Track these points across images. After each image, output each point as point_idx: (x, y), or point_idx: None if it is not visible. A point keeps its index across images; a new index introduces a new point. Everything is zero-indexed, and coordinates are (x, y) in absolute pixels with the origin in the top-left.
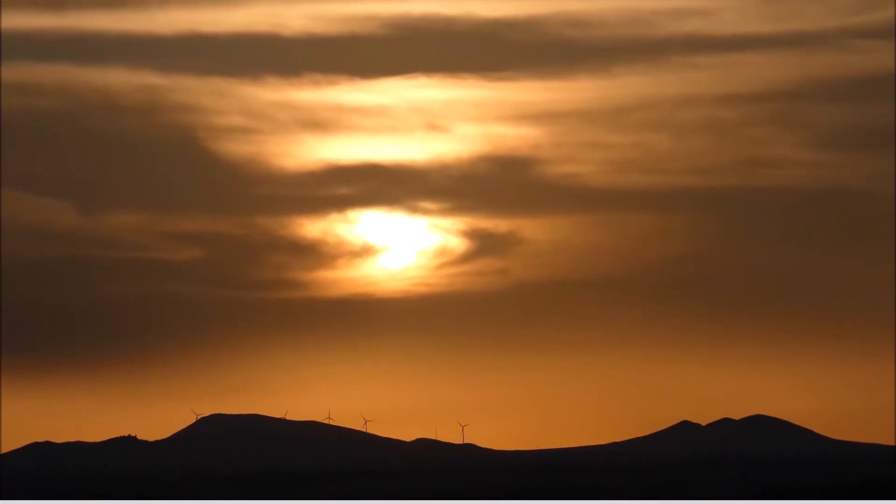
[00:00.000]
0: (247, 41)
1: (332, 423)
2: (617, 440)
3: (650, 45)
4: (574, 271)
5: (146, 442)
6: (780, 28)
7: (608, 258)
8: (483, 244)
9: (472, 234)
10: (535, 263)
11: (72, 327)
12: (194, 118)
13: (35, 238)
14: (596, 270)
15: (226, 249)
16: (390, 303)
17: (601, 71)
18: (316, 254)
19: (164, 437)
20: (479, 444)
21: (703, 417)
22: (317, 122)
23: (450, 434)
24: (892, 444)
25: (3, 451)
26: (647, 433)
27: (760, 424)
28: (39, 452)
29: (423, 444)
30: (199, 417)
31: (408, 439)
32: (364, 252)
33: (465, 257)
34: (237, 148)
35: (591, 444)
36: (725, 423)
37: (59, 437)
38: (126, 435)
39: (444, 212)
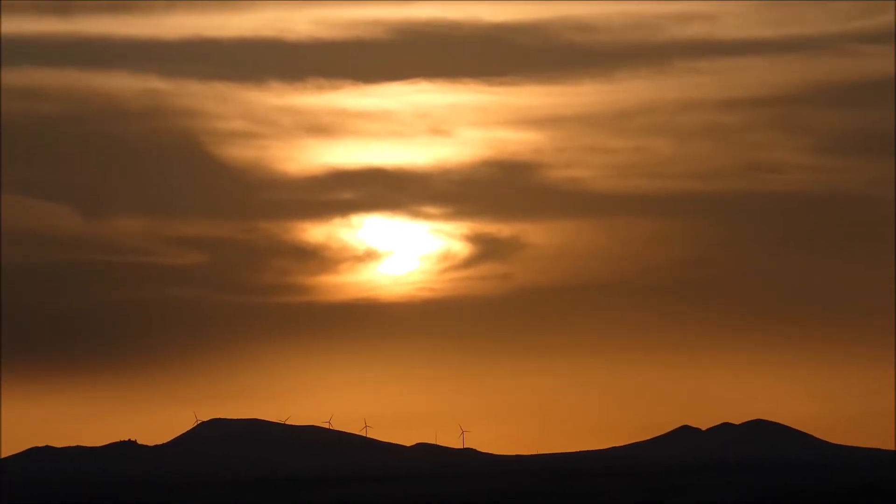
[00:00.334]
0: (251, 46)
1: (331, 427)
2: (617, 444)
3: (653, 49)
4: (576, 275)
5: (146, 446)
6: (781, 33)
7: (610, 262)
8: (486, 249)
9: (474, 239)
10: (537, 268)
11: (73, 332)
12: (198, 123)
13: (38, 242)
14: (598, 275)
15: (228, 254)
16: (393, 308)
17: (603, 76)
18: (319, 258)
19: (164, 441)
20: (479, 449)
21: (704, 422)
22: (320, 127)
23: (450, 438)
24: (892, 448)
25: (4, 455)
26: (647, 437)
27: (760, 429)
28: (40, 457)
29: (423, 448)
30: (198, 422)
31: (408, 444)
32: (367, 257)
33: (468, 262)
34: (240, 153)
35: (592, 448)
36: (725, 427)
37: (60, 442)
38: (126, 439)
39: (447, 216)
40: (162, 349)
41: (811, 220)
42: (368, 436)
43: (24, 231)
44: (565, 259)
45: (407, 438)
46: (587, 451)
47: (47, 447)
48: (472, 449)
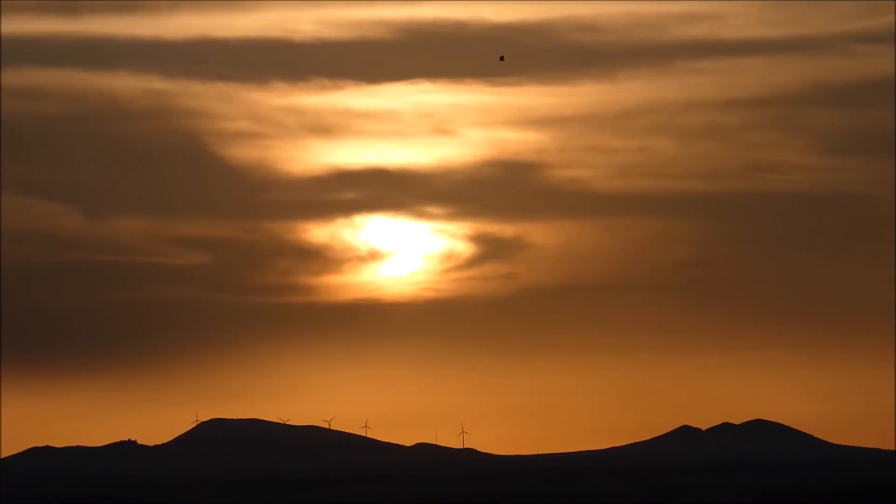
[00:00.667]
0: (254, 46)
1: (331, 427)
2: (617, 444)
3: (655, 49)
4: (579, 275)
5: (146, 446)
6: (783, 33)
7: (613, 262)
8: (489, 249)
9: (478, 239)
10: (540, 268)
11: (74, 332)
12: (201, 123)
13: (40, 242)
14: (600, 275)
15: (231, 254)
16: (396, 308)
17: (606, 76)
18: (322, 259)
19: (165, 441)
20: (479, 449)
21: (704, 422)
22: (323, 127)
23: (450, 438)
24: (892, 448)
25: (4, 455)
26: (647, 437)
27: (760, 429)
28: (40, 457)
29: (423, 448)
30: (198, 422)
31: (408, 444)
32: (370, 257)
33: (472, 262)
34: (244, 153)
35: (592, 448)
36: (725, 427)
37: (60, 442)
38: (126, 439)
39: (450, 216)
40: (163, 349)
41: (812, 220)
42: (368, 436)
43: (25, 231)
44: (568, 259)
45: (407, 438)
46: (587, 451)
47: (47, 447)
48: (472, 449)
